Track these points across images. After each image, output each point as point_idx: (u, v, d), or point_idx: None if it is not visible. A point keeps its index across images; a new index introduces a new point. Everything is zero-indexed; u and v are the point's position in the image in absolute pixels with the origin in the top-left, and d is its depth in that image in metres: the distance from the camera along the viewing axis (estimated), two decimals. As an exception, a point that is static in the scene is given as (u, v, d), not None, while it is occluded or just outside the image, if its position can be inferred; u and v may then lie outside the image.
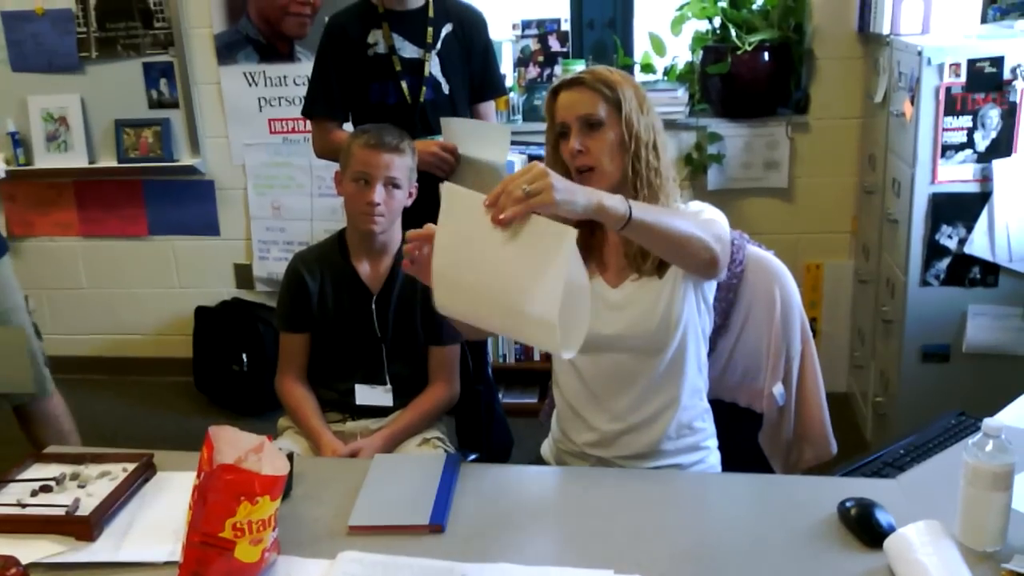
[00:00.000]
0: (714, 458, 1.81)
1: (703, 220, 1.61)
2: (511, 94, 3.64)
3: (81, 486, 1.57)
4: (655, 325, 1.66)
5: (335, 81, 2.60)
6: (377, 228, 2.10)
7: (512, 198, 1.33)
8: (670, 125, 3.40)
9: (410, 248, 1.50)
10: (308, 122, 3.67)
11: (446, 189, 1.42)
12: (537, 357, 3.69)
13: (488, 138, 2.48)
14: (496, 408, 2.90)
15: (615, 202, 1.41)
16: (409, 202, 2.18)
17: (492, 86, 2.74)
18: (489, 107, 2.77)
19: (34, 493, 1.55)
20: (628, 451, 1.74)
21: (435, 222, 2.61)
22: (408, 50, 2.56)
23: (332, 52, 2.60)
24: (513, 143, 3.29)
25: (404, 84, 2.56)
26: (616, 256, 1.72)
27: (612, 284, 1.70)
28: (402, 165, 2.11)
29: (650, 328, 1.67)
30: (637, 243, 1.60)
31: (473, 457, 2.12)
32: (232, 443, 1.30)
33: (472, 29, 2.65)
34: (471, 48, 2.64)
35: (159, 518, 1.48)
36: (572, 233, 1.34)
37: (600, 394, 1.74)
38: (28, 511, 1.49)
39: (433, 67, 2.58)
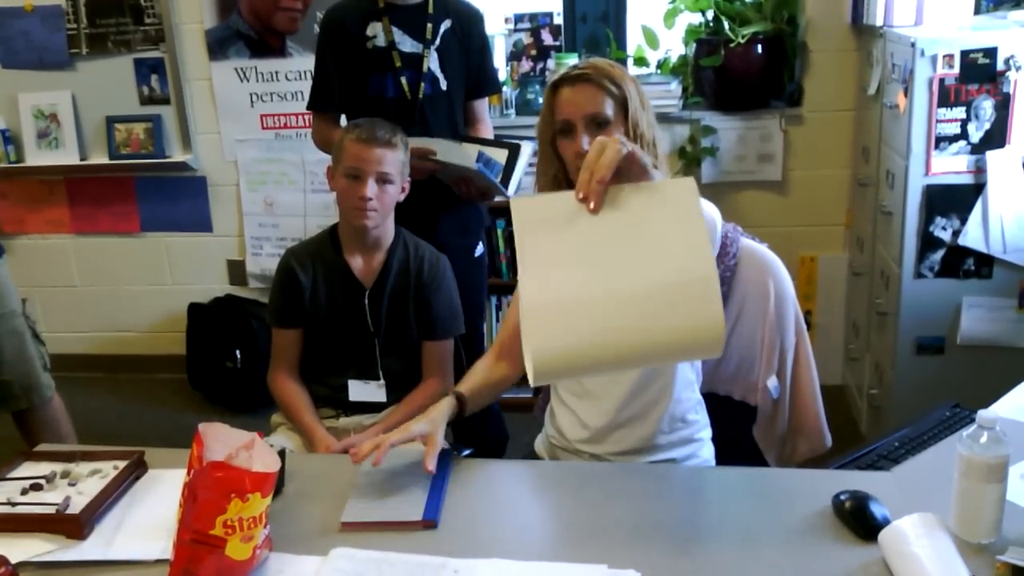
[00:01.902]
0: (708, 450, 1.80)
1: None
2: (503, 88, 3.62)
3: (72, 484, 1.56)
4: None
5: (334, 74, 2.59)
6: (370, 223, 2.09)
7: (617, 153, 1.23)
8: (663, 118, 3.40)
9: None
10: (301, 117, 3.71)
11: (515, 204, 1.23)
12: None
13: (454, 149, 2.51)
14: (492, 404, 2.89)
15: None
16: (402, 197, 2.17)
17: (488, 82, 2.74)
18: (483, 103, 2.76)
19: (24, 491, 1.53)
20: (622, 447, 1.73)
21: (426, 217, 2.61)
22: (407, 45, 2.55)
23: (330, 44, 2.58)
24: (506, 136, 3.28)
25: (403, 79, 2.54)
26: None
27: None
28: (394, 160, 2.10)
29: None
30: None
31: (467, 452, 2.11)
32: (222, 440, 1.29)
33: (470, 25, 2.64)
34: (469, 44, 2.63)
35: (150, 516, 1.48)
36: (691, 182, 1.23)
37: (593, 389, 1.73)
38: (18, 509, 1.48)
39: (432, 63, 2.57)
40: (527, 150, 2.57)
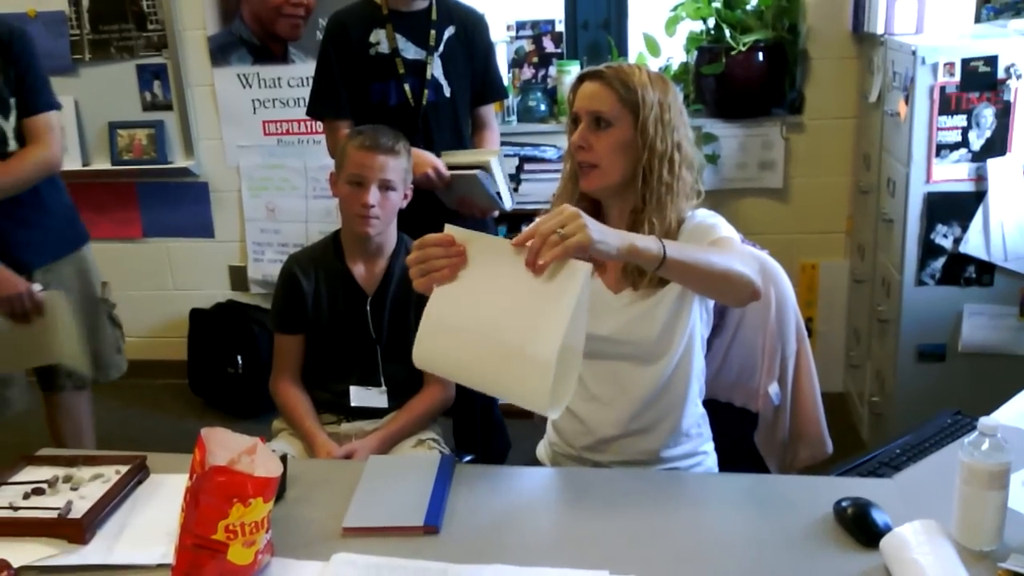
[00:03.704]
0: (710, 461, 1.80)
1: (736, 250, 1.57)
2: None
3: (74, 488, 1.56)
4: (656, 334, 1.64)
5: (339, 79, 2.58)
6: (372, 231, 2.09)
7: (547, 242, 1.30)
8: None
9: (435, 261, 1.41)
10: (303, 123, 3.72)
11: (447, 231, 1.40)
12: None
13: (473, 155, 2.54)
14: (495, 412, 2.89)
15: (648, 243, 1.37)
16: (404, 204, 2.17)
17: (493, 89, 2.74)
18: (489, 110, 2.76)
19: (26, 496, 1.54)
20: (625, 456, 1.73)
21: (431, 226, 2.61)
22: (411, 51, 2.55)
23: (334, 50, 2.58)
24: (508, 144, 3.29)
25: (407, 86, 2.55)
26: (616, 264, 1.67)
27: (613, 289, 1.67)
28: (397, 167, 2.10)
29: (650, 336, 1.64)
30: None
31: (469, 458, 2.11)
32: (224, 445, 1.29)
33: (474, 32, 2.64)
34: (473, 51, 2.64)
35: (152, 520, 1.48)
36: (586, 268, 1.31)
37: (601, 396, 1.72)
38: (20, 514, 1.48)
39: (435, 69, 2.57)
40: (495, 165, 2.52)
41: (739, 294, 1.52)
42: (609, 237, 1.34)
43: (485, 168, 2.49)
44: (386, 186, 2.08)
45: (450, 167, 2.47)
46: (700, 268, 1.45)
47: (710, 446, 1.80)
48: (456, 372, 1.47)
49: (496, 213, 2.69)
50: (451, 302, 1.38)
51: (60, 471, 1.61)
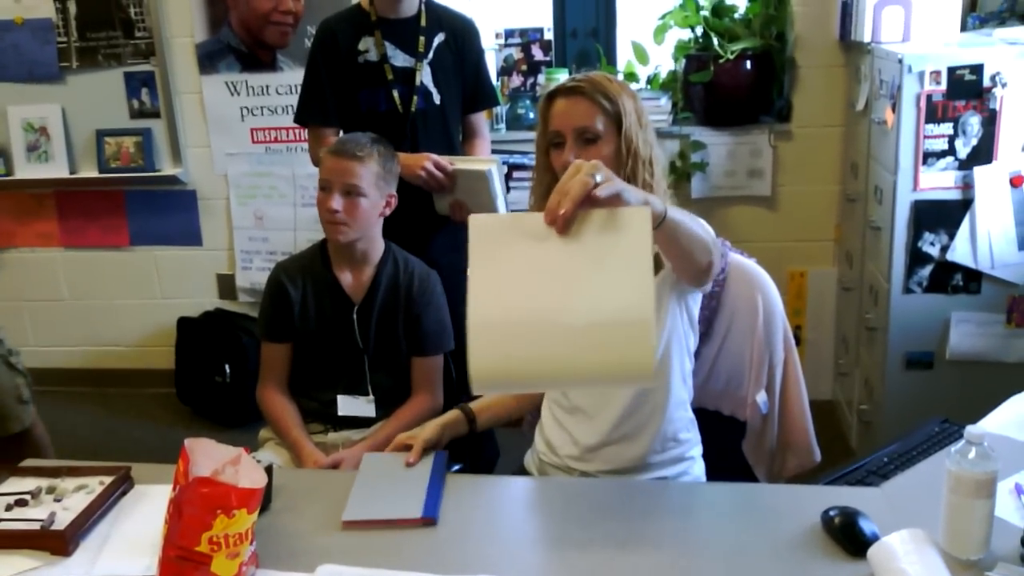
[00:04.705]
0: (699, 467, 1.79)
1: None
2: (493, 103, 3.63)
3: (57, 500, 1.54)
4: None
5: (327, 86, 2.58)
6: (341, 237, 2.08)
7: (584, 187, 1.20)
8: (653, 133, 3.40)
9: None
10: (291, 131, 3.71)
11: (473, 221, 1.26)
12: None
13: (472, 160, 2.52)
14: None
15: (655, 200, 1.33)
16: (387, 211, 2.16)
17: (484, 96, 2.73)
18: (480, 117, 2.75)
19: (9, 507, 1.52)
20: (612, 466, 1.72)
21: (419, 234, 2.59)
22: (399, 59, 2.55)
23: (323, 57, 2.57)
24: (497, 151, 3.29)
25: (395, 93, 2.54)
26: None
27: None
28: (365, 173, 2.07)
29: None
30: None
31: (457, 468, 2.10)
32: (209, 455, 1.28)
33: (464, 39, 2.63)
34: (463, 58, 2.63)
35: (136, 532, 1.47)
36: (647, 211, 1.21)
37: (584, 406, 1.72)
38: (2, 526, 1.46)
39: (424, 77, 2.56)
40: (495, 172, 2.52)
41: (699, 263, 1.51)
42: (630, 188, 1.28)
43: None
44: (352, 191, 2.06)
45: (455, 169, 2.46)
46: (686, 230, 1.43)
47: (698, 451, 1.80)
48: (530, 377, 1.27)
49: None
50: (498, 297, 1.22)
51: (43, 482, 1.59)
